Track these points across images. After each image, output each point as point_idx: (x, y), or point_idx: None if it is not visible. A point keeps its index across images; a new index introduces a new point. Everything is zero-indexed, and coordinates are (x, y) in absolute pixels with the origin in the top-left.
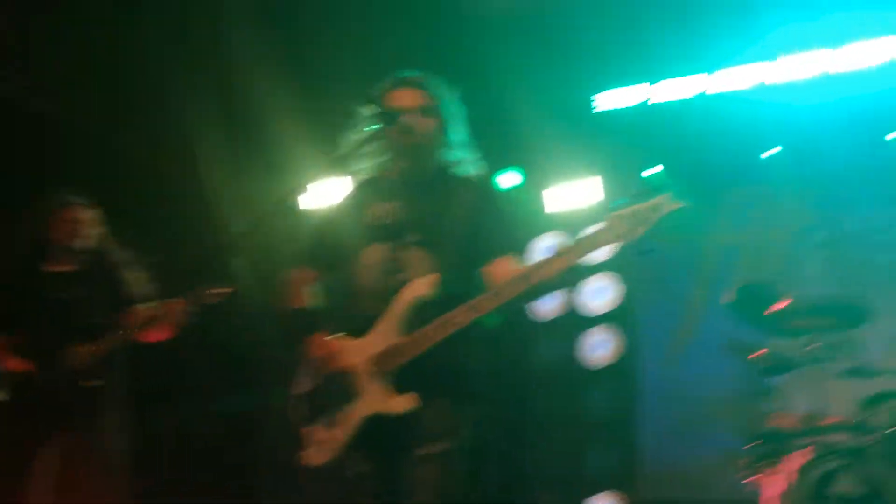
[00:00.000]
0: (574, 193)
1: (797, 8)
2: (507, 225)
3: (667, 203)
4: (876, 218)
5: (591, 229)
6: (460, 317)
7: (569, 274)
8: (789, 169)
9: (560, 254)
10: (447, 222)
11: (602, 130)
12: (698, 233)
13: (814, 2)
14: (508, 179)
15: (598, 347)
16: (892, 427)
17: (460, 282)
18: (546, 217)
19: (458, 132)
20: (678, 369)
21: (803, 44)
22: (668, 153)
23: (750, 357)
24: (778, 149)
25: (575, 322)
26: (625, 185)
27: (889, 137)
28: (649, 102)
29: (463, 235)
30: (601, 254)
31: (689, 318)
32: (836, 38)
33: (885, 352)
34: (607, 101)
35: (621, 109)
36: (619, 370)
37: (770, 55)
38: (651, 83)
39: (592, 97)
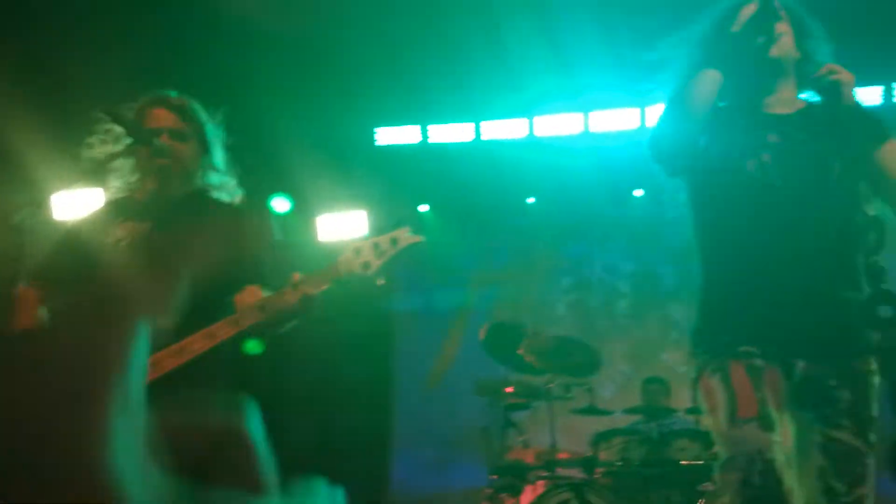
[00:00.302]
0: (344, 224)
1: (557, 73)
2: (261, 252)
3: (404, 237)
4: (618, 267)
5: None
6: (197, 344)
7: (308, 304)
8: (546, 216)
9: (297, 285)
10: (197, 247)
11: (382, 163)
12: (460, 270)
13: (572, 69)
14: (277, 205)
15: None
16: (617, 462)
17: (205, 308)
18: (317, 245)
19: (216, 157)
20: (431, 403)
21: (564, 105)
22: (442, 191)
23: (498, 393)
24: (532, 199)
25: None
26: (399, 218)
27: (636, 193)
28: (429, 141)
29: (214, 259)
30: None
31: (444, 355)
32: (592, 104)
33: (615, 392)
34: (389, 135)
35: (401, 145)
36: (374, 401)
37: (536, 111)
38: (428, 124)
39: (374, 130)
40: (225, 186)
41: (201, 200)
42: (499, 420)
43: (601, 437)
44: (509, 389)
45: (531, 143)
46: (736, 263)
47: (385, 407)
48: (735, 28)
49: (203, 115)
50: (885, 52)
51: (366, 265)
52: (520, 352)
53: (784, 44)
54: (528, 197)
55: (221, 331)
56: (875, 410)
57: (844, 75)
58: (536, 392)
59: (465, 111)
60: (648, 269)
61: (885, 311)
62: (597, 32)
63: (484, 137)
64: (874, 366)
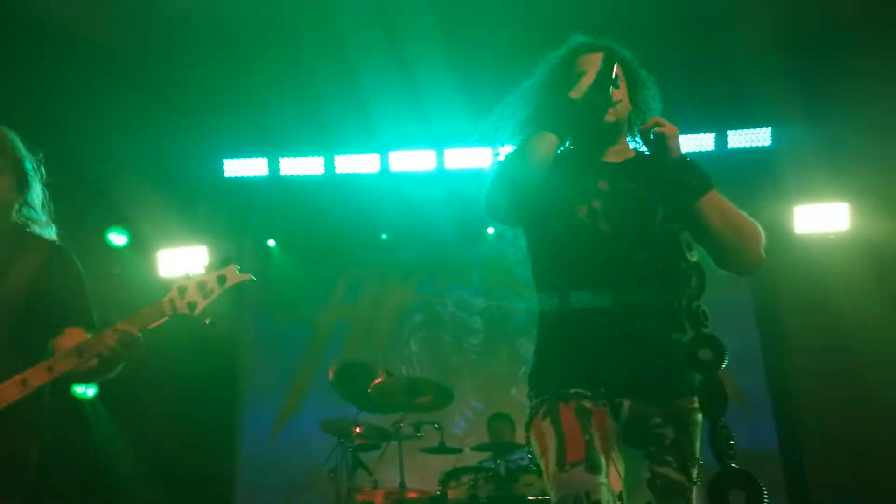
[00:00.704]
0: (185, 259)
1: (411, 109)
2: (77, 291)
3: (233, 275)
4: (470, 303)
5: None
6: (9, 392)
7: (130, 346)
8: (399, 252)
9: (118, 327)
10: (12, 282)
11: (230, 196)
12: (309, 307)
13: (426, 105)
14: (114, 239)
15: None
16: (466, 500)
17: (23, 350)
18: (158, 281)
19: (34, 192)
20: (278, 444)
21: (418, 141)
22: (291, 225)
23: (347, 433)
24: (385, 236)
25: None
26: (244, 251)
27: (489, 231)
28: (280, 174)
29: (29, 299)
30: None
31: (292, 394)
32: (446, 141)
33: (466, 428)
34: (237, 167)
35: (250, 177)
36: (215, 443)
37: (390, 146)
38: (279, 156)
39: (223, 161)
40: (44, 222)
41: (17, 235)
42: (347, 461)
43: (450, 476)
44: (358, 430)
45: (385, 177)
46: (566, 307)
47: (227, 449)
48: (574, 95)
49: (22, 149)
50: (717, 101)
51: (192, 305)
52: (369, 391)
53: (620, 108)
54: (381, 233)
55: (35, 377)
56: (697, 448)
57: (668, 128)
58: (385, 432)
59: (317, 144)
60: (500, 305)
61: (704, 353)
62: (452, 71)
63: (337, 171)
64: (696, 405)
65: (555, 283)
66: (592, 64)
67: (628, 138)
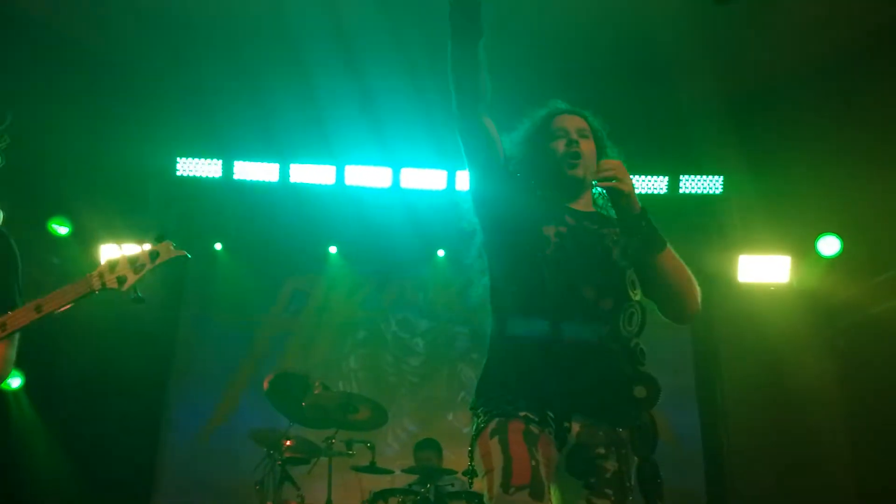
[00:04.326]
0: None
1: (368, 124)
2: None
3: (166, 251)
4: (414, 324)
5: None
6: None
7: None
8: (347, 266)
9: (40, 305)
10: None
11: (181, 195)
12: (251, 313)
13: (384, 123)
14: (57, 228)
15: None
16: None
17: None
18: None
19: None
20: (206, 448)
21: (375, 158)
22: (240, 229)
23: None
24: (334, 249)
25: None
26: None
27: (439, 254)
28: (233, 177)
29: None
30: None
31: (226, 399)
32: (403, 160)
33: (398, 451)
34: (190, 167)
35: (203, 178)
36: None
37: (346, 160)
38: (234, 160)
39: (177, 160)
40: None
41: None
42: (275, 474)
43: (378, 496)
44: (288, 443)
45: (339, 190)
46: (523, 324)
47: (150, 450)
48: (552, 147)
49: None
50: (672, 147)
51: (121, 279)
52: (304, 404)
53: (588, 165)
54: (331, 245)
55: None
56: (632, 481)
57: (621, 184)
58: (316, 448)
59: (273, 151)
60: (444, 328)
61: (640, 391)
62: (410, 91)
63: (292, 180)
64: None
65: (511, 306)
66: (567, 122)
67: (593, 195)
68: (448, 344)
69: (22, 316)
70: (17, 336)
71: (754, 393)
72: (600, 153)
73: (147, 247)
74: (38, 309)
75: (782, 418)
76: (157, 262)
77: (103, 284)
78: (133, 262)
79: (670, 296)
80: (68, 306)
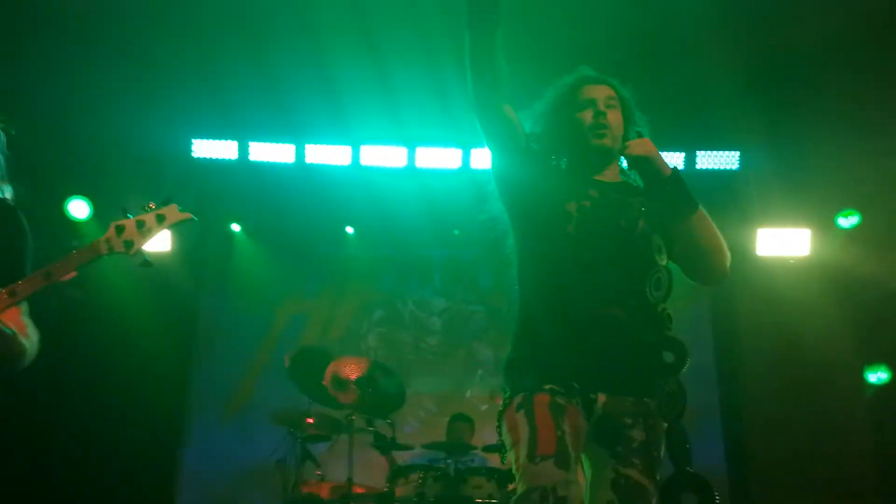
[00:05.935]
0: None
1: (383, 104)
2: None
3: (173, 213)
4: (431, 303)
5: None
6: None
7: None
8: (364, 246)
9: (49, 273)
10: None
11: (196, 177)
12: (269, 294)
13: (398, 102)
14: (75, 209)
15: None
16: (413, 498)
17: None
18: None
19: None
20: (228, 429)
21: (390, 137)
22: (257, 211)
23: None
24: (351, 229)
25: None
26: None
27: (456, 232)
28: (249, 159)
29: None
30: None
31: (246, 380)
32: (418, 139)
33: (417, 428)
34: (206, 148)
35: (219, 160)
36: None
37: (362, 140)
38: (249, 140)
39: (192, 141)
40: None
41: None
42: (296, 452)
43: (398, 473)
44: (310, 420)
45: (355, 171)
46: (548, 300)
47: (175, 432)
48: (579, 117)
49: None
50: (689, 123)
51: (128, 244)
52: (324, 383)
53: (616, 136)
54: (348, 226)
55: None
56: (662, 454)
57: (642, 149)
58: (337, 423)
59: (288, 132)
60: (460, 308)
61: (668, 356)
62: (425, 70)
63: (308, 161)
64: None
65: (538, 274)
66: (595, 93)
67: (619, 166)
68: (464, 323)
69: (32, 283)
70: (25, 304)
71: (774, 367)
72: (627, 123)
73: (153, 210)
74: (47, 276)
75: (802, 393)
76: (164, 225)
77: (111, 249)
78: (140, 226)
79: (699, 257)
80: (74, 273)
